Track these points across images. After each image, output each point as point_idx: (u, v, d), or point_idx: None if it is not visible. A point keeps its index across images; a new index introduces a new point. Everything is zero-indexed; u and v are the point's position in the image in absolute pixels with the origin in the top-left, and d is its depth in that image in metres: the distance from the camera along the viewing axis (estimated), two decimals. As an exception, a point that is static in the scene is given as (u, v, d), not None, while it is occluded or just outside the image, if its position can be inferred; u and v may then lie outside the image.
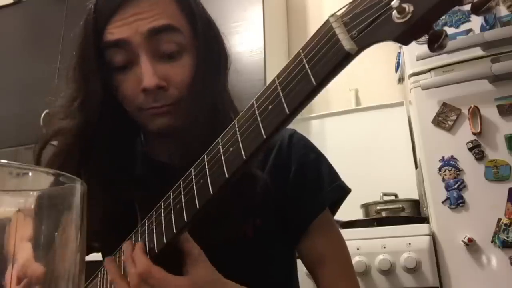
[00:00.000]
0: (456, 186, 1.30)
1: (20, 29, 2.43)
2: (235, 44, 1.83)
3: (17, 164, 0.28)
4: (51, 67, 1.93)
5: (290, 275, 0.79)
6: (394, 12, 0.33)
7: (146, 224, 0.59)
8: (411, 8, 0.32)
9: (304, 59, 0.39)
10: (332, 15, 0.38)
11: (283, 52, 2.19)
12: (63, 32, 2.21)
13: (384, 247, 1.32)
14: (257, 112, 0.44)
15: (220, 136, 0.50)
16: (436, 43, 0.33)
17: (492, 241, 1.22)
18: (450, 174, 1.31)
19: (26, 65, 2.28)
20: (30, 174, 0.29)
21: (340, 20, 0.37)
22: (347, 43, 0.35)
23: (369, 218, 1.56)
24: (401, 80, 1.91)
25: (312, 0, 2.35)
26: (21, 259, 0.27)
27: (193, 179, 0.52)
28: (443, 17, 1.29)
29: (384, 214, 1.56)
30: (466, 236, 1.23)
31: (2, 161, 0.27)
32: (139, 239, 0.59)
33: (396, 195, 1.67)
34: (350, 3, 0.37)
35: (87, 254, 0.80)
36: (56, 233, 0.30)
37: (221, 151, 0.48)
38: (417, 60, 1.42)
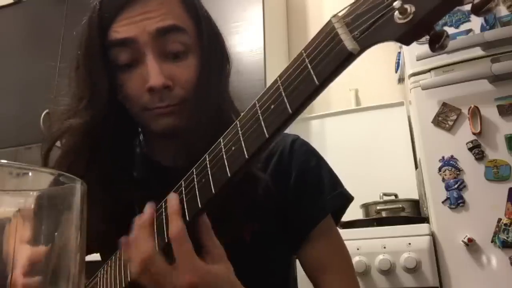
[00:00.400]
0: (456, 186, 1.30)
1: (20, 29, 2.43)
2: (235, 44, 1.83)
3: (17, 164, 0.28)
4: (51, 67, 1.94)
5: (288, 275, 0.79)
6: (396, 13, 0.33)
7: None
8: (413, 9, 0.32)
9: (306, 59, 0.39)
10: (334, 16, 0.38)
11: (283, 52, 2.19)
12: (63, 32, 2.21)
13: (384, 247, 1.32)
14: (259, 112, 0.44)
15: (222, 136, 0.50)
16: (437, 44, 0.33)
17: (492, 241, 1.22)
18: (450, 174, 1.31)
19: (26, 65, 2.28)
20: (30, 174, 0.29)
21: (342, 20, 0.37)
22: (349, 43, 0.35)
23: (369, 218, 1.56)
24: (401, 80, 1.91)
25: (312, 0, 2.35)
26: (22, 258, 0.27)
27: (195, 179, 0.52)
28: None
29: (384, 214, 1.56)
30: (466, 236, 1.23)
31: (2, 161, 0.27)
32: None
33: (396, 195, 1.67)
34: (352, 4, 0.37)
35: (87, 254, 0.80)
36: (56, 233, 0.30)
37: (223, 150, 0.48)
38: (417, 60, 1.42)
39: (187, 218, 0.52)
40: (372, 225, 1.47)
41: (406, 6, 0.32)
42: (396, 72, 1.94)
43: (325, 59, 0.37)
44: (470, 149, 1.30)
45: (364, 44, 0.35)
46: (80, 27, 0.69)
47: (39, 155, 0.71)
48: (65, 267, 0.29)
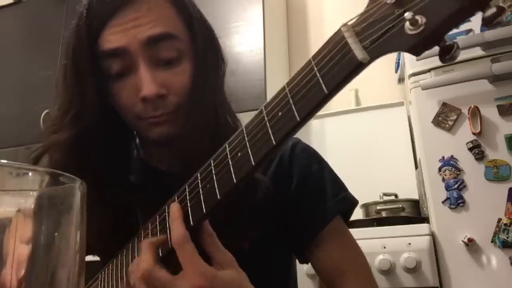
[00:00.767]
0: (456, 186, 1.30)
1: (20, 29, 2.42)
2: (235, 44, 1.83)
3: (17, 164, 0.28)
4: (51, 67, 1.94)
5: (289, 277, 0.79)
6: (407, 24, 0.33)
7: (150, 228, 0.58)
8: (424, 20, 0.32)
9: (315, 67, 0.39)
10: (344, 25, 0.38)
11: (283, 52, 2.19)
12: (63, 32, 2.21)
13: (384, 247, 1.32)
14: (266, 118, 0.44)
15: (227, 142, 0.49)
16: (448, 55, 0.34)
17: (492, 241, 1.22)
18: (450, 174, 1.31)
19: (26, 65, 2.28)
20: (30, 174, 0.29)
21: (352, 29, 0.37)
22: (359, 53, 0.36)
23: (369, 218, 1.56)
24: (401, 80, 1.91)
25: (312, 0, 2.35)
26: (17, 260, 0.27)
27: (199, 184, 0.52)
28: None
29: (384, 214, 1.56)
30: (466, 236, 1.24)
31: (2, 161, 0.27)
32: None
33: (396, 195, 1.67)
34: (362, 13, 0.37)
35: (87, 255, 0.80)
36: (56, 233, 0.30)
37: (229, 156, 0.48)
38: (417, 60, 1.42)
39: (191, 223, 0.51)
40: (372, 225, 1.47)
41: (417, 17, 0.32)
42: (396, 72, 1.94)
43: (334, 68, 0.37)
44: (470, 149, 1.30)
45: (374, 54, 0.36)
46: (68, 33, 0.67)
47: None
48: (65, 267, 0.29)
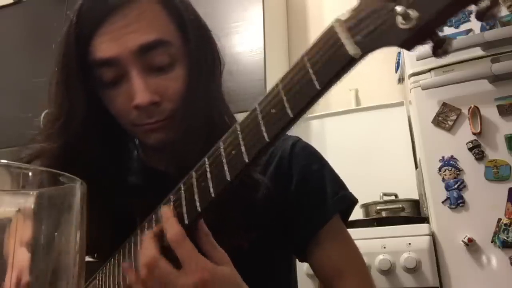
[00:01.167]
0: (456, 186, 1.30)
1: (20, 29, 2.42)
2: (235, 44, 1.83)
3: (17, 164, 0.28)
4: (51, 67, 1.93)
5: (290, 278, 0.78)
6: (399, 18, 0.33)
7: (146, 227, 0.59)
8: (416, 15, 0.32)
9: (307, 63, 0.39)
10: (336, 20, 0.38)
11: (283, 52, 2.19)
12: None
13: (384, 247, 1.32)
14: (259, 116, 0.44)
15: (221, 139, 0.49)
16: (440, 49, 0.33)
17: (492, 241, 1.22)
18: (450, 174, 1.31)
19: (26, 65, 2.28)
20: (30, 174, 0.29)
21: (344, 25, 0.37)
22: (351, 48, 0.36)
23: (369, 218, 1.56)
24: (401, 80, 1.91)
25: (312, 0, 2.35)
26: (19, 266, 0.27)
27: (194, 182, 0.52)
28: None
29: (384, 214, 1.56)
30: (466, 236, 1.23)
31: (2, 161, 0.27)
32: (138, 241, 0.59)
33: (396, 195, 1.67)
34: (354, 8, 0.37)
35: (86, 255, 0.80)
36: (56, 233, 0.30)
37: (223, 154, 0.48)
38: (417, 60, 1.42)
39: (186, 222, 0.51)
40: (372, 225, 1.47)
41: (409, 11, 0.32)
42: (396, 72, 1.94)
43: (326, 63, 0.37)
44: (470, 149, 1.30)
45: (366, 49, 0.35)
46: (59, 40, 0.66)
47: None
48: (65, 267, 0.29)
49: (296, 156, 0.73)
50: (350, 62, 0.36)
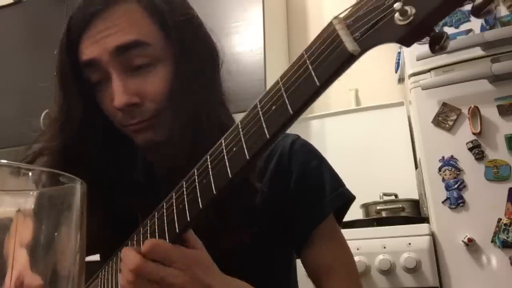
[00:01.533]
0: (456, 186, 1.30)
1: (20, 29, 2.42)
2: (235, 44, 1.83)
3: (17, 164, 0.28)
4: (51, 67, 1.93)
5: (290, 278, 0.78)
6: (397, 15, 0.33)
7: (149, 224, 0.59)
8: (413, 11, 0.32)
9: (307, 60, 0.40)
10: (335, 18, 0.38)
11: (283, 52, 2.19)
12: (63, 33, 2.21)
13: (384, 247, 1.32)
14: (260, 113, 0.44)
15: (223, 137, 0.50)
16: (438, 45, 0.34)
17: (492, 241, 1.22)
18: (450, 174, 1.31)
19: (26, 65, 2.28)
20: (30, 174, 0.29)
21: (343, 22, 0.38)
22: (350, 45, 0.36)
23: (369, 218, 1.56)
24: (401, 80, 1.91)
25: (312, 0, 2.35)
26: (18, 267, 0.27)
27: (196, 179, 0.52)
28: (443, 17, 1.29)
29: (384, 214, 1.56)
30: (466, 236, 1.23)
31: (2, 161, 0.27)
32: (141, 239, 0.59)
33: (396, 195, 1.67)
34: (353, 5, 0.37)
35: (87, 255, 0.80)
36: (56, 233, 0.30)
37: (224, 151, 0.48)
38: (417, 60, 1.42)
39: (188, 219, 0.52)
40: (372, 225, 1.47)
41: (407, 7, 0.33)
42: (396, 72, 1.94)
43: (326, 60, 0.38)
44: (470, 149, 1.30)
45: (365, 45, 0.36)
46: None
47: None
48: (65, 267, 0.29)
49: (295, 153, 0.74)
50: (349, 59, 0.36)
